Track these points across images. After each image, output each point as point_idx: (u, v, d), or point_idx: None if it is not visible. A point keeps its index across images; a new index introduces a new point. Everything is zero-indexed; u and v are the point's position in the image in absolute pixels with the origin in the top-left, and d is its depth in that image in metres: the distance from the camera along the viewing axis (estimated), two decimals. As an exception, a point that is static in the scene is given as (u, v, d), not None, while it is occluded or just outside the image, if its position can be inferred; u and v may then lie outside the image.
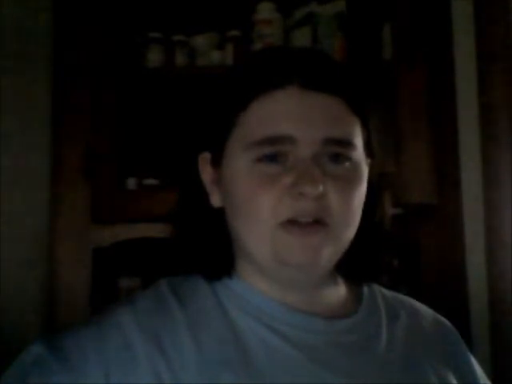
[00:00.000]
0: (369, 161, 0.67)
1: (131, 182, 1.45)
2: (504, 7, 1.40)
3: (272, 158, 0.60)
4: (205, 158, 0.68)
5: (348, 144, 0.61)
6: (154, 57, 1.52)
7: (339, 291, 0.69)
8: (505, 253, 1.33)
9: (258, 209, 0.60)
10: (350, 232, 0.63)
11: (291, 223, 0.60)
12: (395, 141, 1.38)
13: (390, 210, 0.70)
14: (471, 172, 1.39)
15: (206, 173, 0.67)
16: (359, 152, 0.63)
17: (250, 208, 0.61)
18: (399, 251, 1.36)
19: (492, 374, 1.26)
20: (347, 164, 0.62)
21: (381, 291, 0.74)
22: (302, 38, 1.50)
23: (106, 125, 1.40)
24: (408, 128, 1.38)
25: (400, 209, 1.33)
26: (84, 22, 1.41)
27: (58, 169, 1.38)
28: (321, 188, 0.58)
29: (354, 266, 0.69)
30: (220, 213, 0.66)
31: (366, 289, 0.72)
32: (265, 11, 1.51)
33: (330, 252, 0.61)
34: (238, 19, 1.52)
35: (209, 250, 0.66)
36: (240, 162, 0.62)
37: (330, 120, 0.61)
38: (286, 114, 0.60)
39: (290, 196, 0.59)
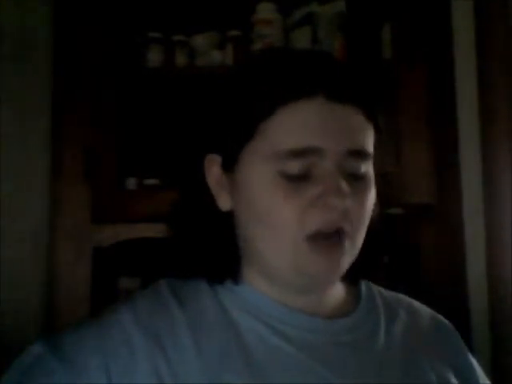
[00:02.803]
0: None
1: (131, 182, 1.45)
2: (504, 7, 1.40)
3: (300, 175, 0.60)
4: (212, 159, 0.66)
5: (366, 155, 0.62)
6: (154, 57, 1.52)
7: (338, 292, 0.70)
8: (505, 253, 1.33)
9: (283, 220, 0.60)
10: (362, 239, 0.64)
11: (316, 237, 0.60)
12: (395, 141, 1.38)
13: (379, 208, 0.71)
14: (471, 172, 1.39)
15: (212, 174, 0.66)
16: (371, 161, 0.64)
17: (274, 219, 0.60)
18: (399, 251, 1.36)
19: (492, 373, 1.26)
20: (364, 175, 0.62)
21: (379, 291, 0.74)
22: (302, 38, 1.50)
23: (106, 125, 1.40)
24: (408, 128, 1.38)
25: (400, 209, 1.33)
26: (84, 22, 1.41)
27: (58, 169, 1.38)
28: (348, 201, 0.59)
29: (352, 267, 0.69)
30: (224, 215, 0.66)
31: (364, 289, 0.72)
32: (265, 11, 1.51)
33: (347, 261, 0.62)
34: (238, 19, 1.52)
35: (211, 252, 0.66)
36: (263, 171, 0.61)
37: (353, 131, 0.61)
38: (313, 124, 0.60)
39: (315, 207, 0.59)
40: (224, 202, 0.66)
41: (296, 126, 0.60)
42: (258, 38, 1.49)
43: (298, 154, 0.59)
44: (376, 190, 0.67)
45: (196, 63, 1.55)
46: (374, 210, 0.66)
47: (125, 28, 1.49)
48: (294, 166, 0.59)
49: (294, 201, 0.59)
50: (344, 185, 0.59)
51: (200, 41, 1.55)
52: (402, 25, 1.42)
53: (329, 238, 0.60)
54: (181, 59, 1.53)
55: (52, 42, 1.42)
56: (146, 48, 1.52)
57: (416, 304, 0.76)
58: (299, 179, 0.60)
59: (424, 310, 0.75)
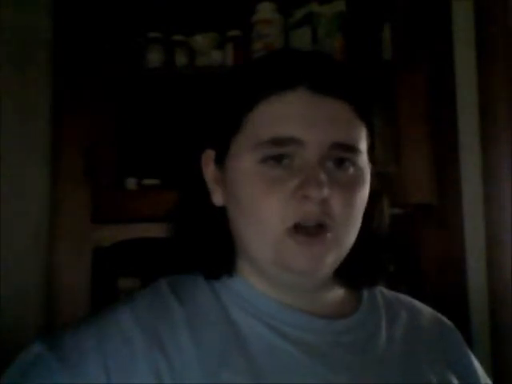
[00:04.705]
0: (370, 166, 0.66)
1: (131, 182, 1.45)
2: (504, 7, 1.40)
3: (278, 160, 0.60)
4: (209, 155, 0.68)
5: (354, 149, 0.61)
6: (154, 57, 1.52)
7: (338, 292, 0.70)
8: (505, 253, 1.33)
9: (265, 213, 0.60)
10: (351, 237, 0.63)
11: (297, 230, 0.59)
12: (395, 141, 1.38)
13: (388, 214, 0.70)
14: (471, 172, 1.39)
15: (209, 170, 0.67)
16: (364, 157, 0.63)
17: (257, 212, 0.60)
18: (399, 252, 1.36)
19: (492, 373, 1.26)
20: (351, 169, 0.62)
21: (381, 291, 0.74)
22: (302, 38, 1.50)
23: (106, 125, 1.40)
24: (408, 128, 1.38)
25: (400, 209, 1.33)
26: (84, 22, 1.41)
27: (58, 169, 1.38)
28: (325, 192, 0.58)
29: (353, 271, 0.68)
30: (221, 211, 0.66)
31: (365, 289, 0.72)
32: (265, 11, 1.51)
33: (333, 259, 0.61)
34: (238, 19, 1.52)
35: (209, 248, 0.66)
36: (246, 162, 0.61)
37: (338, 124, 0.61)
38: (294, 115, 0.60)
39: (295, 199, 0.59)
40: (217, 198, 0.66)
41: (277, 116, 0.60)
42: (258, 38, 1.49)
43: (277, 143, 0.59)
44: (376, 190, 0.67)
45: (196, 63, 1.55)
46: (380, 212, 0.65)
47: (125, 28, 1.49)
48: (274, 152, 0.60)
49: (275, 193, 0.59)
50: (322, 175, 0.58)
51: (200, 41, 1.55)
52: (402, 25, 1.42)
53: (309, 232, 0.59)
54: (181, 59, 1.53)
55: (52, 42, 1.42)
56: (146, 48, 1.52)
57: (417, 304, 0.76)
58: (279, 169, 0.60)
59: (425, 309, 0.75)
